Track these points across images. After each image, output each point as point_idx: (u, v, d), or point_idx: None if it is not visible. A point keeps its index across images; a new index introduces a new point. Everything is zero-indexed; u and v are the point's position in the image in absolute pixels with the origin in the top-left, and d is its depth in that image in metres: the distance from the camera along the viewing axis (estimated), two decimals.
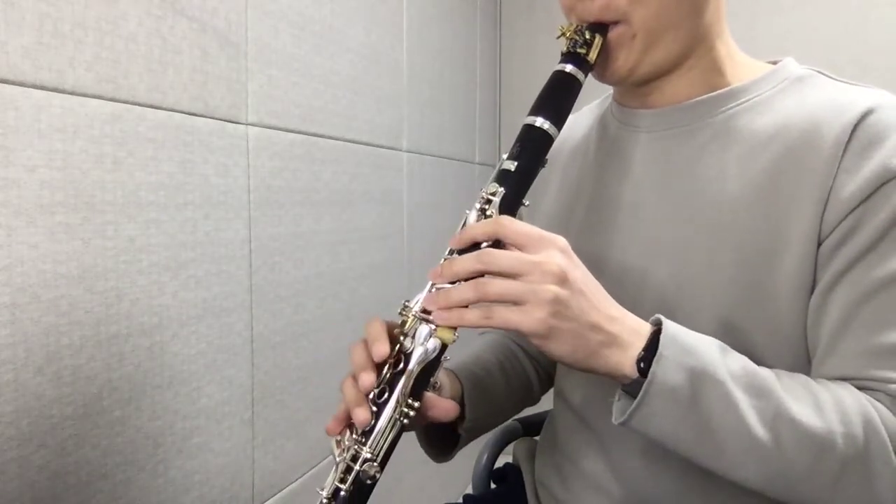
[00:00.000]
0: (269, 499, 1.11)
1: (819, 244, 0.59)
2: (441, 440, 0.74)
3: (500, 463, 0.99)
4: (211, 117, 0.93)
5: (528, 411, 0.92)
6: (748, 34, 2.15)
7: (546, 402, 0.89)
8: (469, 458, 0.93)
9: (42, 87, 0.69)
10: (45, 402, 0.71)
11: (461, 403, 0.72)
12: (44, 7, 0.69)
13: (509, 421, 0.94)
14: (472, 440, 0.76)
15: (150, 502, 0.86)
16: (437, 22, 1.78)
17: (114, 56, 0.77)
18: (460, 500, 0.91)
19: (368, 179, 1.39)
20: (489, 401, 0.76)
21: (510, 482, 0.92)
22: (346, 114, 1.29)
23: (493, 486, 0.99)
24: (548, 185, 0.80)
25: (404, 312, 0.59)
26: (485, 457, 0.98)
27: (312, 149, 1.18)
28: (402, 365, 0.57)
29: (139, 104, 0.81)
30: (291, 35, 1.11)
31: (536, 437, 0.93)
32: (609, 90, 0.78)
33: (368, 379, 0.56)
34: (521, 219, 0.59)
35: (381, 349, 0.57)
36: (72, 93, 0.72)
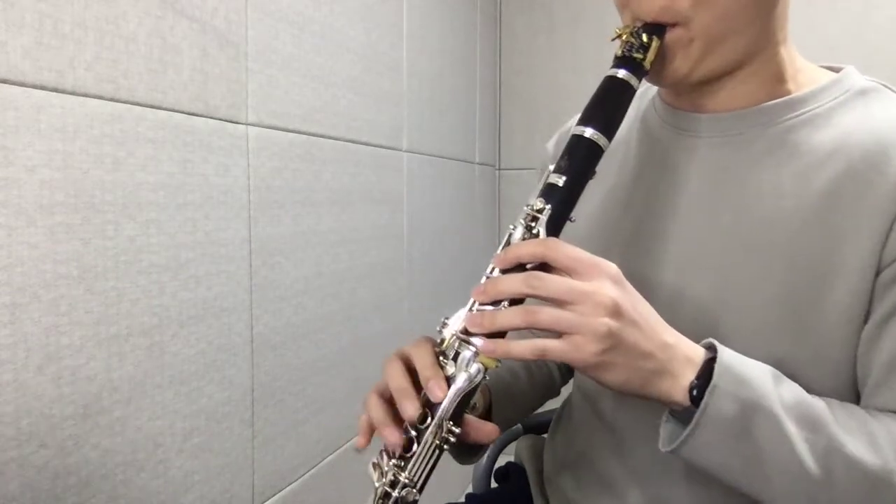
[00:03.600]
0: (269, 499, 1.11)
1: (877, 273, 0.57)
2: (467, 446, 0.73)
3: (501, 462, 0.99)
4: (211, 117, 0.93)
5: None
6: None
7: (547, 402, 0.89)
8: None
9: (42, 87, 0.69)
10: (45, 402, 0.71)
11: (488, 409, 0.71)
12: (44, 7, 0.69)
13: None
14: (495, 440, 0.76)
15: (150, 502, 0.86)
16: (437, 22, 1.78)
17: (114, 56, 0.77)
18: (462, 500, 0.91)
19: (368, 179, 1.39)
20: (515, 403, 0.75)
21: (512, 481, 0.92)
22: (346, 114, 1.29)
23: (494, 485, 0.99)
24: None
25: (443, 330, 0.56)
26: (486, 456, 0.98)
27: (312, 149, 1.18)
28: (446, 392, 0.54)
29: (139, 104, 0.81)
30: (291, 35, 1.11)
31: (539, 435, 0.93)
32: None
33: (413, 408, 0.54)
34: (565, 234, 0.57)
35: (441, 394, 0.53)
36: (72, 93, 0.72)
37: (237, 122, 0.99)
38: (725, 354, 0.54)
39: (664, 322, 0.55)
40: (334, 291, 1.27)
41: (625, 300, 0.52)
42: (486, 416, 0.72)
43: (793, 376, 0.58)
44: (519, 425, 0.99)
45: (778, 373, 0.56)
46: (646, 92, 0.76)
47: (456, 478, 1.94)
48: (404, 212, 1.57)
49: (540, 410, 0.93)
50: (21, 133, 0.67)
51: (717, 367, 0.53)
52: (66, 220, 0.72)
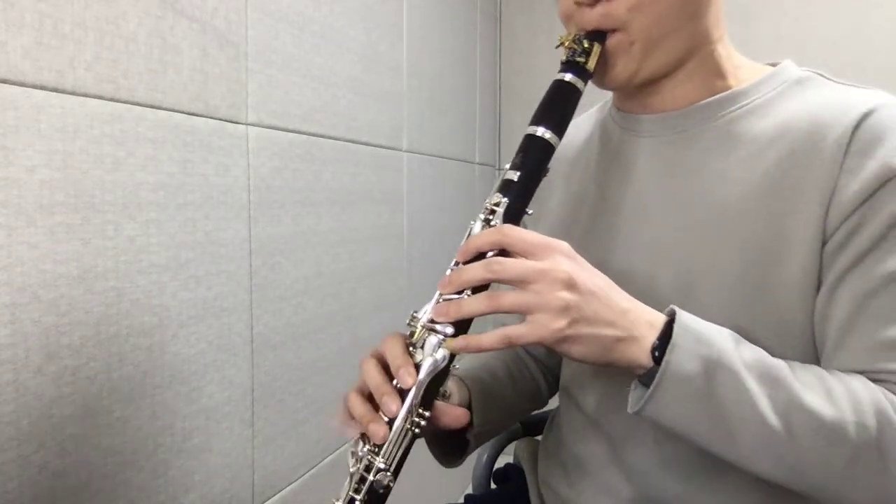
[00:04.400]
0: (269, 499, 1.11)
1: (824, 243, 0.60)
2: (450, 445, 0.74)
3: (500, 463, 0.99)
4: (211, 117, 0.93)
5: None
6: (748, 36, 2.15)
7: (548, 403, 0.89)
8: (469, 458, 0.93)
9: (42, 87, 0.69)
10: (45, 402, 0.71)
11: (469, 409, 0.72)
12: (44, 7, 0.69)
13: None
14: (480, 445, 0.76)
15: (150, 502, 0.86)
16: (437, 22, 1.78)
17: (114, 56, 0.77)
18: (461, 501, 0.91)
19: (368, 179, 1.39)
20: (497, 406, 0.76)
21: (512, 482, 0.92)
22: (346, 114, 1.29)
23: (493, 486, 0.99)
24: (551, 192, 0.80)
25: (412, 323, 0.59)
26: (485, 457, 0.98)
27: (312, 149, 1.18)
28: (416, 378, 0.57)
29: (139, 104, 0.81)
30: (291, 35, 1.11)
31: (537, 437, 0.93)
32: (609, 95, 0.78)
33: (395, 404, 0.56)
34: (525, 227, 0.60)
35: (410, 380, 0.56)
36: (72, 93, 0.72)
37: (237, 122, 0.99)
38: (684, 316, 0.57)
39: (620, 290, 0.58)
40: (334, 291, 1.27)
41: (579, 273, 0.55)
42: (470, 415, 0.72)
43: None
44: (518, 425, 0.99)
45: (738, 336, 0.59)
46: (605, 104, 0.80)
47: (456, 479, 1.94)
48: (404, 212, 1.57)
49: (541, 411, 0.93)
50: (21, 133, 0.67)
51: (676, 326, 0.56)
52: (66, 220, 0.72)
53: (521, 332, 0.54)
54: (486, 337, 0.55)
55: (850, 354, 0.59)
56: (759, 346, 0.61)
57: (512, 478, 0.93)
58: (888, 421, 0.54)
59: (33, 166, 0.69)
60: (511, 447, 0.98)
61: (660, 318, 0.58)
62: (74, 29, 0.72)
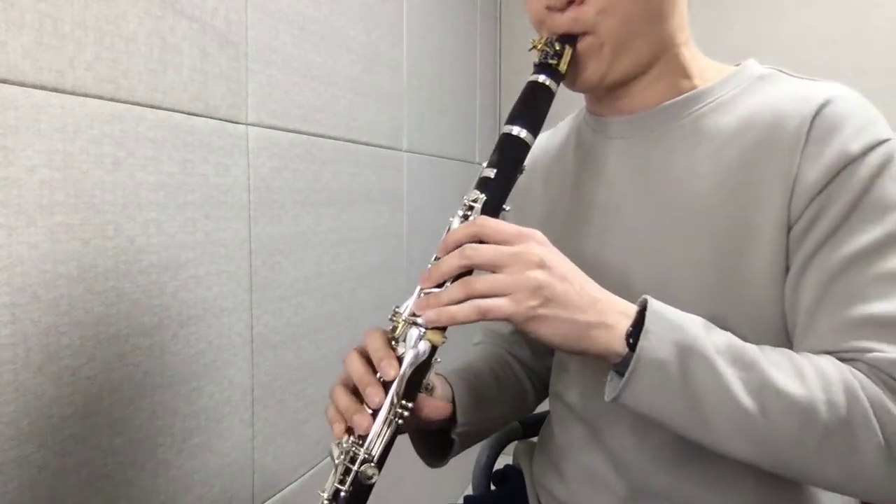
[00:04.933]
0: (269, 499, 1.11)
1: (789, 230, 0.62)
2: (435, 445, 0.75)
3: (500, 464, 0.99)
4: (211, 117, 0.93)
5: (515, 420, 0.92)
6: (749, 36, 2.15)
7: (545, 403, 0.89)
8: (469, 459, 0.93)
9: (42, 87, 0.69)
10: (45, 402, 0.71)
11: (452, 406, 0.72)
12: (44, 7, 0.69)
13: None
14: (466, 447, 0.77)
15: (150, 502, 0.86)
16: (437, 22, 1.78)
17: (114, 56, 0.77)
18: (460, 501, 0.91)
19: (368, 179, 1.39)
20: (481, 406, 0.77)
21: (511, 483, 0.92)
22: (346, 114, 1.29)
23: (493, 487, 0.99)
24: (533, 198, 0.82)
25: (394, 318, 0.60)
26: (485, 457, 0.98)
27: (312, 149, 1.18)
28: (399, 370, 0.58)
29: (139, 104, 0.81)
30: (291, 35, 1.11)
31: (535, 439, 0.93)
32: (582, 103, 0.81)
33: (378, 395, 0.57)
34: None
35: (392, 371, 0.57)
36: (72, 93, 0.72)
37: (237, 122, 0.99)
38: (656, 303, 0.59)
39: (591, 280, 0.60)
40: (334, 291, 1.27)
41: (551, 257, 0.57)
42: (454, 413, 0.73)
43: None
44: (518, 425, 0.99)
45: (709, 322, 0.60)
46: (580, 111, 0.83)
47: (455, 480, 1.94)
48: (404, 212, 1.57)
49: (541, 411, 0.93)
50: (21, 133, 0.67)
51: (648, 313, 0.57)
52: (66, 220, 0.72)
53: (493, 304, 0.55)
54: (459, 309, 0.56)
55: (818, 336, 0.60)
56: (733, 332, 0.63)
57: (511, 479, 0.93)
58: (856, 398, 0.56)
59: (33, 166, 0.69)
60: (511, 448, 0.98)
61: (631, 308, 0.59)
62: (74, 29, 0.72)
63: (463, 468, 0.76)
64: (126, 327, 0.80)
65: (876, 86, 1.94)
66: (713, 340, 0.57)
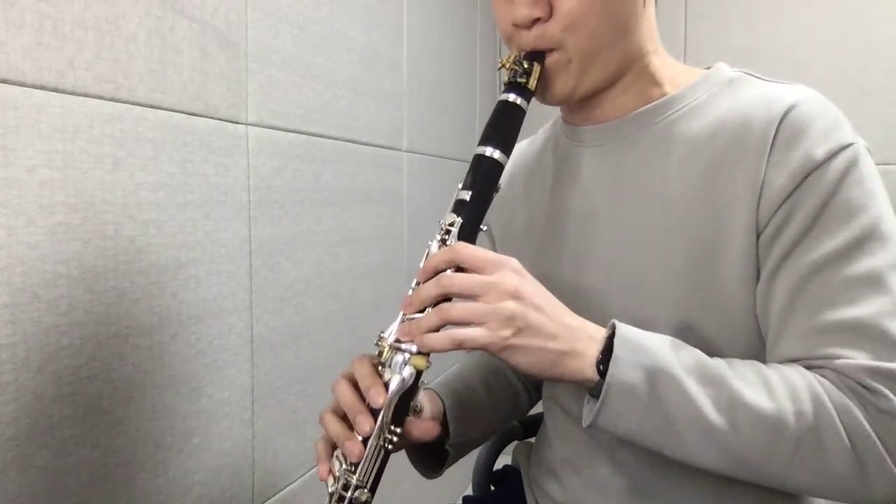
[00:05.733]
0: (269, 499, 1.11)
1: (758, 236, 0.62)
2: (430, 457, 0.76)
3: (499, 464, 0.99)
4: (211, 117, 0.93)
5: (513, 421, 0.93)
6: (749, 37, 2.15)
7: (530, 410, 0.89)
8: (468, 459, 0.93)
9: (42, 87, 0.69)
10: (45, 402, 0.71)
11: (444, 421, 0.74)
12: (44, 7, 0.69)
13: None
14: (462, 455, 0.78)
15: (150, 502, 0.86)
16: (437, 22, 1.78)
17: (114, 56, 0.77)
18: (459, 501, 0.91)
19: (368, 179, 1.39)
20: (473, 416, 0.78)
21: (510, 483, 0.92)
22: (346, 114, 1.29)
23: (492, 487, 0.99)
24: (514, 206, 0.83)
25: (380, 343, 0.62)
26: (484, 457, 0.98)
27: (312, 149, 1.18)
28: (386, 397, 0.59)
29: (139, 104, 0.81)
30: (291, 35, 1.11)
31: (534, 439, 0.93)
32: (559, 110, 0.81)
33: (368, 423, 0.59)
34: (481, 243, 0.63)
35: (380, 399, 0.59)
36: (72, 93, 0.72)
37: (237, 122, 0.99)
38: (623, 328, 0.59)
39: (566, 308, 0.61)
40: (334, 291, 1.27)
41: (526, 286, 0.58)
42: (441, 427, 0.73)
43: (705, 342, 0.63)
44: (518, 425, 0.99)
45: (677, 341, 0.61)
46: (557, 120, 0.83)
47: (454, 480, 1.94)
48: (404, 212, 1.57)
49: (540, 411, 0.93)
50: (21, 133, 0.67)
51: (616, 339, 0.58)
52: (66, 220, 0.72)
53: (467, 334, 0.56)
54: (435, 338, 0.57)
55: (788, 343, 0.61)
56: (709, 340, 0.64)
57: (510, 479, 0.93)
58: (822, 405, 0.56)
59: (33, 166, 0.69)
60: (510, 448, 0.98)
61: (601, 333, 0.60)
62: (74, 29, 0.72)
63: (462, 468, 0.76)
64: (126, 327, 0.80)
65: (876, 86, 1.94)
66: (681, 360, 0.58)
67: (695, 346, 0.62)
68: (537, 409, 0.92)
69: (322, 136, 1.21)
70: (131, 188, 0.80)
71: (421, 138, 1.66)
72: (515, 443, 0.96)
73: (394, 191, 1.51)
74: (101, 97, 0.76)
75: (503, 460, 0.98)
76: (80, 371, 0.75)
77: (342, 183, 1.28)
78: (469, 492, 0.99)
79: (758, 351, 0.65)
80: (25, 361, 0.69)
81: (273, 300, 1.08)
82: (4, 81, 0.66)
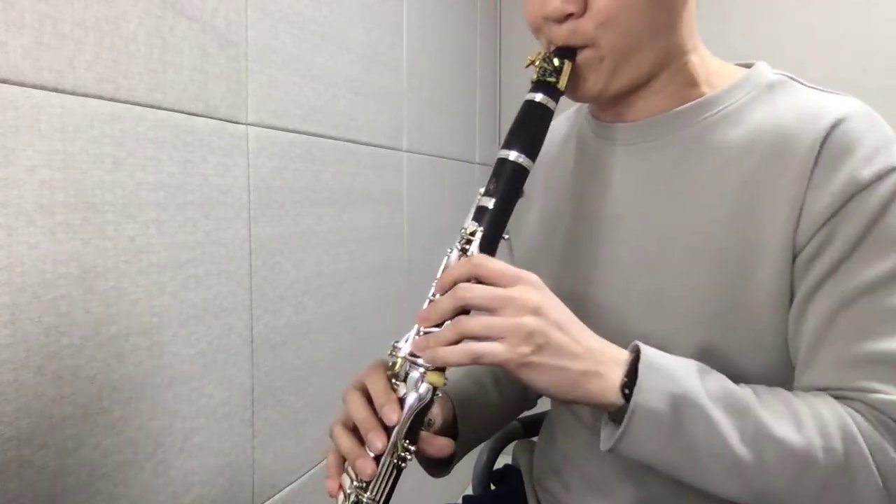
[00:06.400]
0: (269, 499, 1.11)
1: (794, 257, 0.59)
2: (437, 459, 0.74)
3: (500, 464, 0.99)
4: (211, 117, 0.93)
5: (529, 411, 0.92)
6: (749, 37, 2.15)
7: (546, 402, 0.89)
8: (469, 459, 0.93)
9: (42, 87, 0.69)
10: (45, 402, 0.71)
11: (453, 422, 0.72)
12: (44, 7, 0.69)
13: None
14: (467, 452, 0.77)
15: (150, 502, 0.86)
16: (437, 22, 1.78)
17: (114, 56, 0.77)
18: (459, 501, 0.91)
19: (368, 179, 1.39)
20: (482, 415, 0.77)
21: (510, 483, 0.92)
22: (346, 114, 1.29)
23: (493, 487, 0.99)
24: (531, 199, 0.80)
25: (394, 353, 0.59)
26: (484, 457, 0.98)
27: (312, 149, 1.18)
28: (401, 414, 0.57)
29: (139, 104, 0.81)
30: (291, 35, 1.11)
31: (535, 438, 0.93)
32: None
33: (381, 441, 0.57)
34: (503, 251, 0.60)
35: (395, 417, 0.57)
36: (72, 93, 0.72)
37: (237, 122, 0.99)
38: (649, 353, 0.57)
39: (587, 328, 0.58)
40: (334, 291, 1.27)
41: (547, 303, 0.56)
42: (451, 429, 0.73)
43: (730, 364, 0.61)
44: (518, 425, 0.99)
45: (703, 366, 0.59)
46: (581, 107, 0.80)
47: (455, 480, 1.94)
48: (404, 212, 1.57)
49: (537, 411, 0.93)
50: (21, 133, 0.67)
51: (641, 366, 0.55)
52: (66, 220, 0.72)
53: (485, 349, 0.54)
54: (452, 352, 0.55)
55: (820, 370, 0.59)
56: (731, 361, 0.61)
57: (511, 479, 0.93)
58: (854, 442, 0.54)
59: (33, 166, 0.69)
60: (510, 448, 0.98)
61: (624, 356, 0.58)
62: (74, 29, 0.72)
63: (462, 468, 0.76)
64: (126, 327, 0.80)
65: (876, 86, 1.94)
66: (707, 388, 0.56)
67: (716, 367, 0.59)
68: (538, 409, 0.92)
69: (322, 136, 1.21)
70: (131, 188, 0.80)
71: (421, 138, 1.66)
72: (515, 442, 0.96)
73: (394, 191, 1.51)
74: (101, 97, 0.76)
75: (503, 460, 0.98)
76: (80, 371, 0.75)
77: (342, 183, 1.28)
78: (469, 491, 0.99)
79: (782, 375, 0.62)
80: (25, 361, 0.69)
81: (273, 300, 1.08)
82: (4, 81, 0.66)
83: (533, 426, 0.99)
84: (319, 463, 1.24)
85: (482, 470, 0.98)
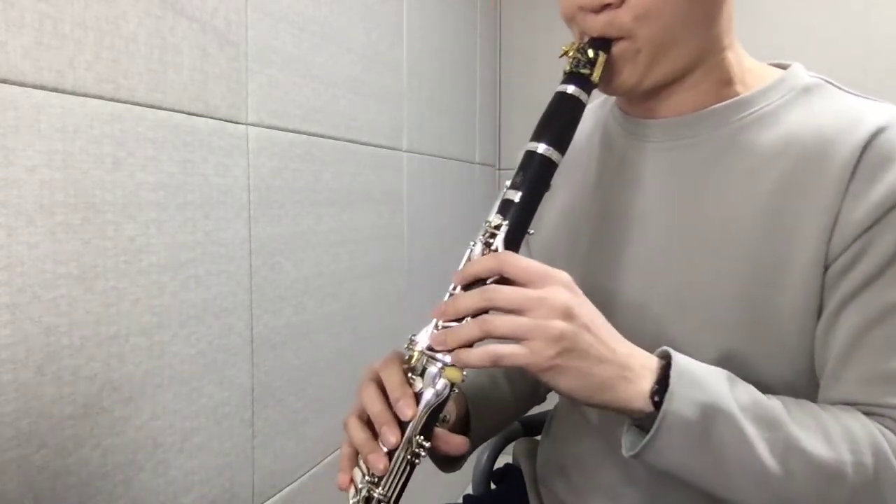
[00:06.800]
0: (269, 499, 1.11)
1: (825, 268, 0.58)
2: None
3: (499, 463, 0.99)
4: (211, 117, 0.93)
5: (529, 412, 0.92)
6: (749, 36, 2.15)
7: (546, 402, 0.89)
8: (469, 458, 0.93)
9: (42, 87, 0.69)
10: (45, 402, 0.71)
11: (466, 417, 0.72)
12: (44, 7, 0.69)
13: None
14: (477, 446, 0.76)
15: (150, 502, 0.86)
16: (437, 22, 1.78)
17: (114, 56, 0.77)
18: (460, 501, 0.91)
19: (368, 179, 1.39)
20: (494, 410, 0.76)
21: (510, 483, 0.92)
22: (346, 114, 1.29)
23: (493, 486, 0.99)
24: (552, 194, 0.78)
25: (411, 347, 0.57)
26: (484, 457, 0.98)
27: (312, 149, 1.18)
28: (416, 410, 0.56)
29: (139, 104, 0.81)
30: (291, 35, 1.11)
31: (536, 437, 0.93)
32: None
33: (394, 436, 0.55)
34: (527, 246, 0.59)
35: (410, 412, 0.55)
36: (72, 93, 0.72)
37: (237, 122, 0.99)
38: (680, 360, 0.55)
39: (616, 332, 0.56)
40: (334, 291, 1.27)
41: (577, 304, 0.53)
42: (463, 424, 0.72)
43: (751, 371, 0.60)
44: (518, 425, 0.99)
45: (732, 375, 0.57)
46: (606, 100, 0.78)
47: (455, 479, 1.94)
48: (404, 212, 1.57)
49: (538, 411, 0.93)
50: (21, 133, 0.67)
51: (672, 373, 0.54)
52: (66, 220, 0.72)
53: (509, 351, 0.52)
54: (473, 354, 0.53)
55: (847, 384, 0.58)
56: (753, 369, 0.60)
57: (511, 478, 0.93)
58: (885, 459, 0.54)
59: (33, 166, 0.69)
60: (510, 447, 0.98)
61: (653, 362, 0.56)
62: (74, 29, 0.72)
63: (463, 467, 0.76)
64: (126, 327, 0.80)
65: (876, 86, 1.94)
66: (737, 398, 0.55)
67: (737, 373, 0.58)
68: (539, 409, 0.92)
69: (322, 136, 1.21)
70: (131, 188, 0.80)
71: (421, 138, 1.66)
72: (516, 441, 0.96)
73: (394, 191, 1.51)
74: (101, 97, 0.76)
75: (503, 459, 0.98)
76: (80, 371, 0.75)
77: (342, 183, 1.28)
78: (469, 491, 0.99)
79: (804, 384, 0.61)
80: (25, 361, 0.69)
81: (273, 300, 1.08)
82: (4, 81, 0.66)
83: (532, 426, 0.99)
84: (320, 463, 1.24)
85: (483, 469, 0.98)
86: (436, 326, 0.56)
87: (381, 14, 1.43)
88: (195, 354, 0.92)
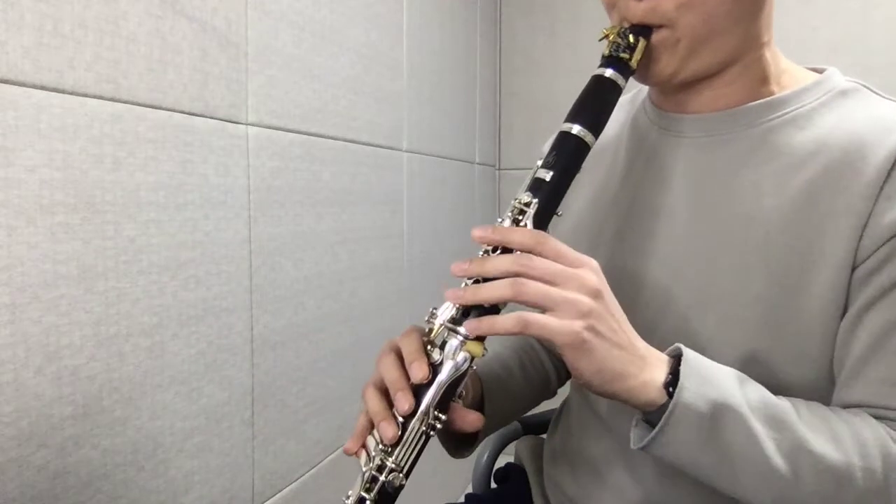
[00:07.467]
0: (269, 499, 1.11)
1: (853, 269, 0.58)
2: (460, 438, 0.73)
3: (500, 462, 0.99)
4: (211, 117, 0.93)
5: (529, 413, 0.92)
6: None
7: (547, 402, 0.89)
8: (469, 458, 0.93)
9: (42, 87, 0.69)
10: (45, 402, 0.71)
11: (481, 401, 0.72)
12: (44, 7, 0.69)
13: None
14: (487, 436, 0.76)
15: (150, 502, 0.86)
16: (437, 22, 1.78)
17: (114, 56, 0.77)
18: (461, 500, 0.91)
19: (368, 179, 1.39)
20: (508, 399, 0.76)
21: (512, 482, 0.92)
22: (346, 114, 1.29)
23: (494, 486, 0.99)
24: (578, 183, 0.77)
25: (431, 320, 0.57)
26: (485, 456, 0.98)
27: (312, 149, 1.18)
28: (429, 376, 0.55)
29: (139, 104, 0.81)
30: (291, 35, 1.11)
31: (540, 436, 0.93)
32: (643, 87, 0.76)
33: (407, 402, 0.55)
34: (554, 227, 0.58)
35: (420, 374, 0.55)
36: (72, 93, 0.72)
37: (237, 122, 0.99)
38: (690, 355, 0.56)
39: (631, 326, 0.57)
40: (334, 291, 1.27)
41: (606, 291, 0.54)
42: (478, 408, 0.72)
43: (774, 372, 0.60)
44: (518, 425, 0.99)
45: (743, 375, 0.58)
46: (637, 95, 0.78)
47: (456, 478, 1.94)
48: (404, 212, 1.57)
49: (539, 410, 0.93)
50: (21, 133, 0.67)
51: (682, 367, 0.54)
52: (66, 220, 0.72)
53: (539, 320, 0.51)
54: (501, 320, 0.53)
55: (864, 386, 0.58)
56: (775, 369, 0.60)
57: (513, 477, 0.93)
58: (894, 464, 0.54)
59: (33, 166, 0.69)
60: (510, 448, 0.98)
61: (665, 357, 0.57)
62: (74, 29, 0.72)
63: (464, 467, 0.76)
64: (126, 327, 0.80)
65: (876, 86, 1.94)
66: (747, 397, 0.55)
67: (758, 372, 0.58)
68: (539, 409, 0.92)
69: (322, 136, 1.21)
70: (131, 188, 0.80)
71: (421, 138, 1.66)
72: (517, 440, 0.96)
73: (394, 191, 1.51)
74: (101, 97, 0.76)
75: (504, 459, 0.98)
76: (80, 371, 0.75)
77: (342, 183, 1.28)
78: (471, 490, 0.99)
79: (823, 387, 0.61)
80: (25, 361, 0.69)
81: (273, 300, 1.08)
82: (4, 81, 0.66)
83: (532, 426, 0.99)
84: (320, 463, 1.24)
85: (483, 468, 0.98)
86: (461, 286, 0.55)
87: (381, 14, 1.43)
88: (195, 354, 0.92)
